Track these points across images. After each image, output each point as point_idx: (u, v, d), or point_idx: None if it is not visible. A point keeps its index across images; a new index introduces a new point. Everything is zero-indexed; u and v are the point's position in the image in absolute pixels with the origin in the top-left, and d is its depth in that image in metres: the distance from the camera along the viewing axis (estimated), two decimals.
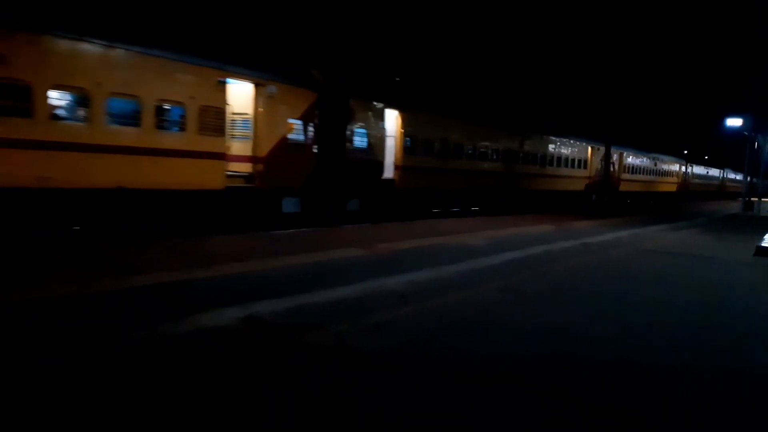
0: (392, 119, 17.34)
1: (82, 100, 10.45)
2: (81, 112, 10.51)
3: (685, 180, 49.84)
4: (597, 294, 7.24)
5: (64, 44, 10.22)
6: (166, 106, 11.60)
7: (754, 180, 33.68)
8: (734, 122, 31.61)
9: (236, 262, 7.67)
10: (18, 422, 3.20)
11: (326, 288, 6.55)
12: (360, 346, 4.64)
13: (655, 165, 42.30)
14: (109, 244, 8.75)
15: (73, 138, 10.30)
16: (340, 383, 3.91)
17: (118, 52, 10.86)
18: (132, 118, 11.05)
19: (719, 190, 62.25)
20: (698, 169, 55.41)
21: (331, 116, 14.55)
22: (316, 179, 14.56)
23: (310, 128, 14.39)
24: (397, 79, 20.66)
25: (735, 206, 33.72)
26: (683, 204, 36.82)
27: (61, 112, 10.27)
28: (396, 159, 17.52)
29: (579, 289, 7.52)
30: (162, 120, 11.55)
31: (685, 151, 52.97)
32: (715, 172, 62.93)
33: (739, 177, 37.57)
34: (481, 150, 22.00)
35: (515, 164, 24.23)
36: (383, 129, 16.94)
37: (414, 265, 8.26)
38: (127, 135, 10.92)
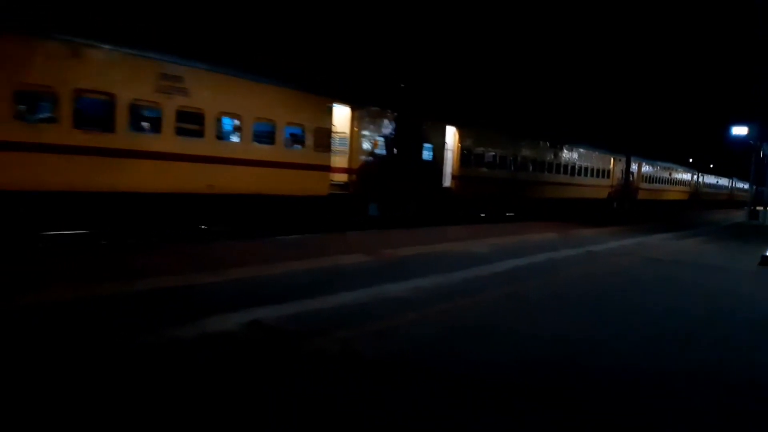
0: (451, 134, 19.63)
1: (239, 124, 13.31)
2: (237, 134, 13.33)
3: (697, 189, 51.66)
4: (602, 302, 7.24)
5: (234, 82, 13.21)
6: (292, 129, 14.38)
7: (761, 189, 33.57)
8: (739, 131, 31.52)
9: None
10: (21, 425, 3.23)
11: (328, 294, 6.58)
12: (366, 352, 4.67)
13: (670, 175, 44.38)
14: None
15: (232, 154, 13.12)
16: (345, 389, 3.93)
17: (263, 86, 13.81)
18: (268, 138, 13.84)
19: (729, 198, 63.23)
20: (709, 179, 57.41)
21: (407, 134, 17.40)
22: (393, 187, 17.24)
23: (391, 144, 17.13)
24: (402, 85, 21.22)
25: (741, 215, 33.57)
26: (693, 212, 37.67)
27: (222, 134, 13.10)
28: (453, 169, 19.88)
29: (583, 297, 7.52)
30: (289, 139, 14.35)
31: (691, 160, 54.52)
32: (724, 181, 64.11)
33: (747, 186, 38.54)
34: (522, 161, 24.31)
35: (550, 174, 26.65)
36: (444, 143, 19.42)
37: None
38: (265, 151, 13.83)
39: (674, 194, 45.39)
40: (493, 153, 22.25)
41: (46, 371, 3.96)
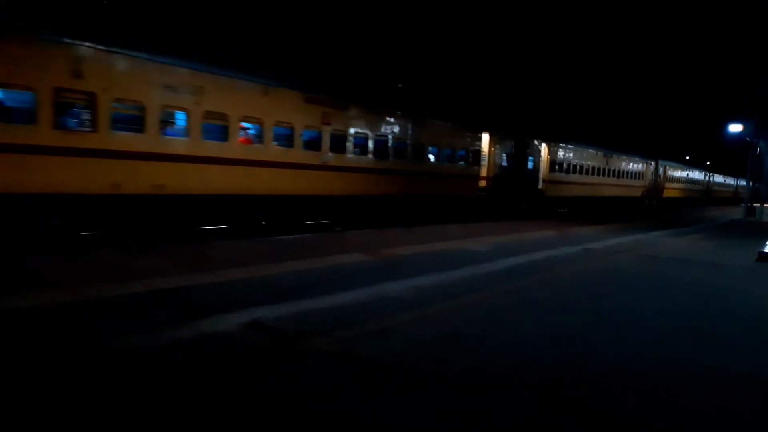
0: (543, 150, 26.42)
1: (438, 153, 20.02)
2: (437, 158, 20.13)
3: (708, 187, 59.43)
4: (600, 301, 7.25)
5: (430, 123, 19.54)
6: (463, 152, 21.19)
7: (757, 185, 33.77)
8: (735, 128, 31.60)
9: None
10: (18, 426, 3.22)
11: (328, 293, 6.58)
12: (365, 352, 4.67)
13: (687, 175, 51.93)
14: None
15: (434, 170, 19.87)
16: (344, 389, 3.92)
17: (450, 128, 20.64)
18: (451, 159, 20.66)
19: (734, 195, 67.58)
20: (718, 178, 65.37)
21: (519, 151, 24.18)
22: (512, 189, 23.75)
23: (510, 158, 24.01)
24: (399, 85, 23.25)
25: (738, 212, 33.65)
26: (695, 209, 40.95)
27: (436, 158, 19.96)
28: (544, 175, 26.55)
29: (582, 295, 7.54)
30: (459, 158, 21.09)
31: (708, 163, 62.40)
32: (730, 180, 70.54)
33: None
34: (590, 167, 31.48)
35: (606, 177, 33.71)
36: (539, 156, 26.15)
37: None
38: (450, 168, 20.58)
39: (692, 192, 52.45)
40: (570, 162, 29.30)
41: (42, 373, 3.95)
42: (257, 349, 4.68)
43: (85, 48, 10.67)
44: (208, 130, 12.65)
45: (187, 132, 12.32)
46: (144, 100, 11.52)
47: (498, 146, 23.02)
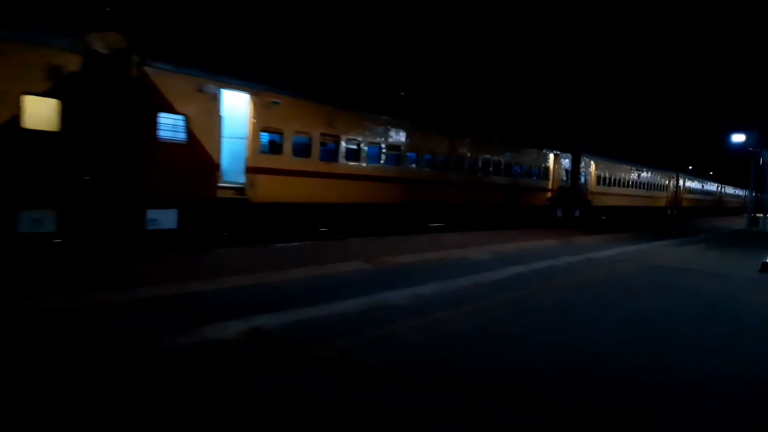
0: (592, 165, 30.69)
1: (520, 170, 24.69)
2: (515, 174, 24.32)
3: (720, 198, 64.62)
4: (602, 310, 7.22)
5: (509, 146, 23.70)
6: (536, 169, 25.78)
7: (760, 195, 33.83)
8: (738, 138, 31.59)
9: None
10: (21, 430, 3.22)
11: (328, 301, 6.57)
12: (365, 360, 4.65)
13: (702, 187, 56.98)
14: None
15: (509, 183, 23.81)
16: (344, 397, 3.91)
17: (531, 150, 25.37)
18: (528, 174, 25.18)
19: (743, 205, 69.70)
20: (728, 189, 70.07)
21: (575, 166, 27.44)
22: (570, 200, 27.45)
23: (567, 173, 27.82)
24: (402, 93, 23.49)
25: (741, 222, 33.57)
26: (713, 217, 44.73)
27: (518, 174, 24.26)
28: (591, 188, 30.62)
29: (583, 304, 7.51)
30: (532, 174, 25.51)
31: (710, 173, 65.96)
32: (740, 191, 73.71)
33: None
34: (624, 180, 35.85)
35: (641, 189, 38.73)
36: (589, 170, 30.40)
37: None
38: (527, 182, 25.11)
39: (706, 203, 57.24)
40: (612, 176, 33.61)
41: (45, 378, 3.94)
42: (257, 357, 4.67)
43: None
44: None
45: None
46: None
47: (559, 164, 27.39)
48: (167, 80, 11.07)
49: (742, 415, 3.97)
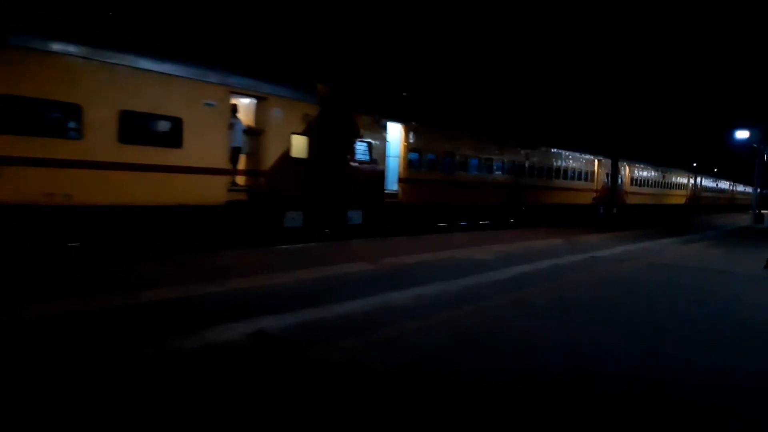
0: (626, 168, 34.68)
1: (595, 175, 31.06)
2: (587, 179, 30.41)
3: (732, 195, 69.91)
4: (606, 309, 7.21)
5: (583, 160, 29.86)
6: (584, 173, 29.89)
7: (764, 192, 33.98)
8: (742, 135, 31.48)
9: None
10: None
11: (332, 303, 6.59)
12: (369, 361, 4.67)
13: (717, 185, 62.51)
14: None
15: (576, 187, 28.92)
16: (349, 399, 3.92)
17: (599, 161, 31.04)
18: (580, 178, 29.64)
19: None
20: (740, 187, 74.89)
21: (615, 171, 29.12)
22: (608, 200, 30.09)
23: (607, 177, 31.10)
24: (404, 93, 23.18)
25: (746, 218, 33.46)
26: (707, 216, 44.86)
27: (574, 177, 29.09)
28: (626, 188, 34.56)
29: (588, 303, 7.50)
30: (582, 178, 29.76)
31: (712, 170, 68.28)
32: (750, 189, 76.23)
33: None
34: (651, 181, 40.49)
35: (668, 189, 44.04)
36: (624, 173, 34.12)
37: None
38: (579, 185, 29.38)
39: (721, 200, 62.33)
40: (642, 178, 38.16)
41: (51, 383, 3.97)
42: (262, 359, 4.69)
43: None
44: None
45: None
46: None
47: (602, 168, 31.37)
48: (361, 119, 15.55)
49: (749, 414, 3.97)
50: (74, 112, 9.50)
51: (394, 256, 10.49)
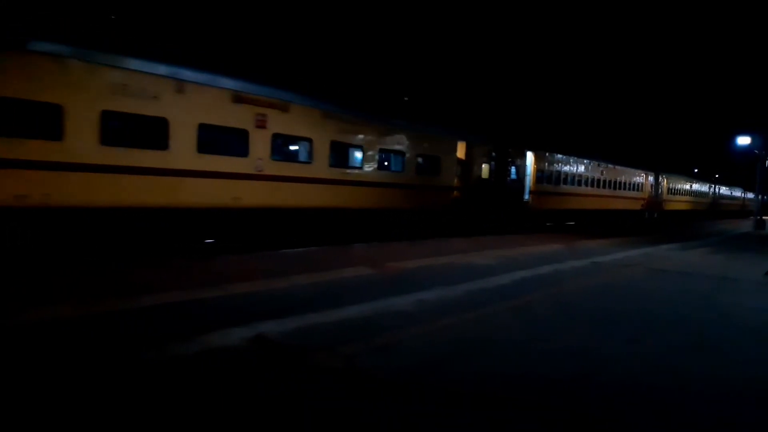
0: (664, 178, 41.76)
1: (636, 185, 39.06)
2: (626, 188, 37.36)
3: (744, 202, 76.05)
4: (608, 315, 7.18)
5: (613, 170, 35.06)
6: (636, 185, 38.08)
7: (766, 198, 34.24)
8: (743, 141, 31.50)
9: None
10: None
11: (332, 308, 6.57)
12: (369, 367, 4.64)
13: (731, 193, 71.11)
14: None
15: (614, 195, 35.19)
16: (349, 405, 3.90)
17: (638, 172, 38.87)
18: (633, 188, 37.89)
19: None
20: (750, 195, 78.44)
21: (656, 182, 37.56)
22: (652, 206, 38.79)
23: (652, 186, 39.47)
24: (406, 98, 25.10)
25: (748, 224, 33.42)
26: (708, 222, 45.51)
27: (623, 187, 36.60)
28: (664, 196, 41.88)
29: (590, 309, 7.47)
30: (635, 188, 37.70)
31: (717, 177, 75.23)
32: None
33: None
34: (683, 190, 48.43)
35: (691, 197, 51.45)
36: (663, 183, 41.84)
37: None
38: (634, 195, 38.05)
39: (733, 207, 70.52)
40: (675, 186, 46.18)
41: (49, 388, 3.95)
42: (261, 364, 4.66)
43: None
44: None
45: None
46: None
47: (648, 179, 39.10)
48: (512, 152, 23.70)
49: (752, 422, 3.94)
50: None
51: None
